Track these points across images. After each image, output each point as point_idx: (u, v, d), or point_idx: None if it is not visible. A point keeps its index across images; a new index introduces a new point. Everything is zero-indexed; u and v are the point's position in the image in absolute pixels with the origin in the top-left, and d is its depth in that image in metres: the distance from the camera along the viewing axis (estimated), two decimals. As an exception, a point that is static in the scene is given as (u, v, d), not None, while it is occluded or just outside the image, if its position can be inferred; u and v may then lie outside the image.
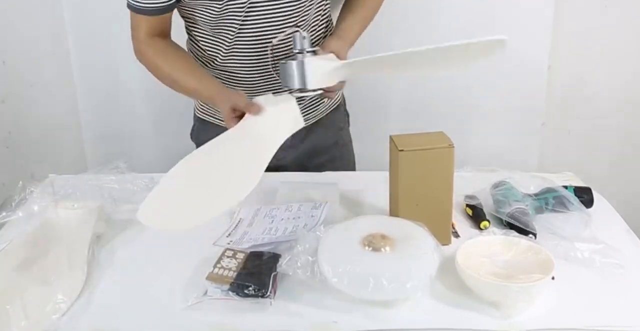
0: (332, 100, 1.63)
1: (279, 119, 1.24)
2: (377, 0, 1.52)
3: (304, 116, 1.27)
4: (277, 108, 1.24)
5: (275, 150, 1.20)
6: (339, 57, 1.30)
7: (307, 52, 1.26)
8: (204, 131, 1.63)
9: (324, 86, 1.28)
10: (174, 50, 1.44)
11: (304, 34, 1.26)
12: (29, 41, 2.00)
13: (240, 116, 1.26)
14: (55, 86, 2.05)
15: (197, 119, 1.67)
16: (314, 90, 1.26)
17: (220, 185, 1.17)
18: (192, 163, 1.22)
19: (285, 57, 1.38)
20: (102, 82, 2.02)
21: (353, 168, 1.73)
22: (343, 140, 1.70)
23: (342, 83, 1.33)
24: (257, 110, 1.24)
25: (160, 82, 1.44)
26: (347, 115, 1.73)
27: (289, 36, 1.26)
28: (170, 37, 1.46)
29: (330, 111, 1.64)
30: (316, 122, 1.61)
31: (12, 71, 2.03)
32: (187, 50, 1.54)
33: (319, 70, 1.25)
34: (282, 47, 1.41)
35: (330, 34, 1.47)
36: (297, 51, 1.26)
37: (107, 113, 2.06)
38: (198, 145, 1.68)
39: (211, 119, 1.61)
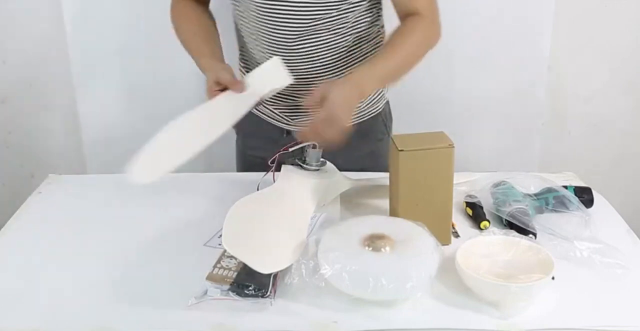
0: (369, 109, 1.55)
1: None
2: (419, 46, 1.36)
3: None
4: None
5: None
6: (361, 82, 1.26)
7: None
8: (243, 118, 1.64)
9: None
10: (190, 11, 1.45)
11: None
12: (29, 41, 2.00)
13: (222, 90, 1.27)
14: (55, 86, 2.05)
15: None
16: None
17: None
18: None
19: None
20: (102, 82, 2.02)
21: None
22: (379, 151, 1.57)
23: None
24: (240, 88, 1.25)
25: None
26: (386, 125, 1.63)
27: None
28: (202, 3, 1.47)
29: (365, 120, 1.55)
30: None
31: (12, 71, 2.03)
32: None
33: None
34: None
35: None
36: None
37: (107, 114, 2.06)
38: (237, 130, 1.64)
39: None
